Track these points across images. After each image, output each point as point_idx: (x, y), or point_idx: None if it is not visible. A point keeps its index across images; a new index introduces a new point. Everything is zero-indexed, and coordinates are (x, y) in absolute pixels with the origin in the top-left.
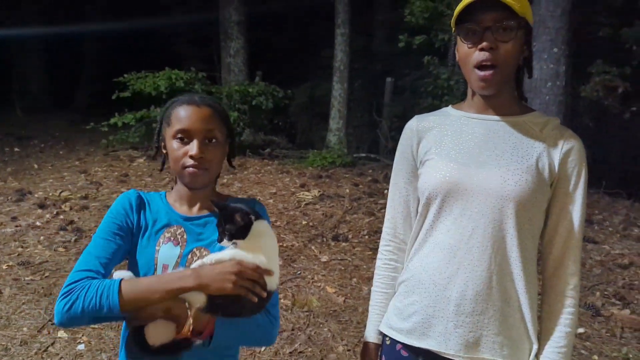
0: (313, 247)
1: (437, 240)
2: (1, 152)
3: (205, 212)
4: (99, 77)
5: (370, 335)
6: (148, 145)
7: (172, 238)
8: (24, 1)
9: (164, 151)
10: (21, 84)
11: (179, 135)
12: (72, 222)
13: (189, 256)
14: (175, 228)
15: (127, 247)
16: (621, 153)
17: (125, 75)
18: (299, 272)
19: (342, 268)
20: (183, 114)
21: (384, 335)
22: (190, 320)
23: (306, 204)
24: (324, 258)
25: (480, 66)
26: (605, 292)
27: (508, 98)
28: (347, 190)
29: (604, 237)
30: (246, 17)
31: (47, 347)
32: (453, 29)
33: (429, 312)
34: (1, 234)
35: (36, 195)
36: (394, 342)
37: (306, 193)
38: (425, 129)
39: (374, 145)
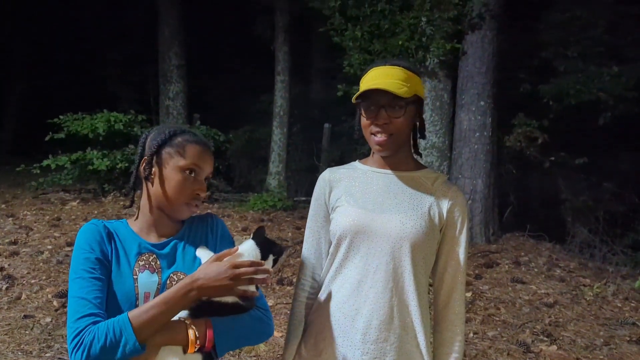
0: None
1: (346, 276)
2: None
3: (169, 237)
4: (24, 117)
5: None
6: (81, 187)
7: (147, 266)
8: None
9: (153, 169)
10: None
11: (190, 172)
12: (2, 269)
13: (168, 282)
14: (147, 255)
15: (107, 278)
16: (542, 199)
17: (61, 117)
18: None
19: (288, 312)
20: (198, 153)
21: None
22: (193, 327)
23: None
24: (270, 302)
25: (377, 135)
26: (534, 330)
27: (404, 157)
28: (290, 234)
29: (531, 278)
30: (186, 61)
31: None
32: (354, 102)
33: (338, 343)
34: None
35: None
36: None
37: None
38: (336, 179)
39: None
